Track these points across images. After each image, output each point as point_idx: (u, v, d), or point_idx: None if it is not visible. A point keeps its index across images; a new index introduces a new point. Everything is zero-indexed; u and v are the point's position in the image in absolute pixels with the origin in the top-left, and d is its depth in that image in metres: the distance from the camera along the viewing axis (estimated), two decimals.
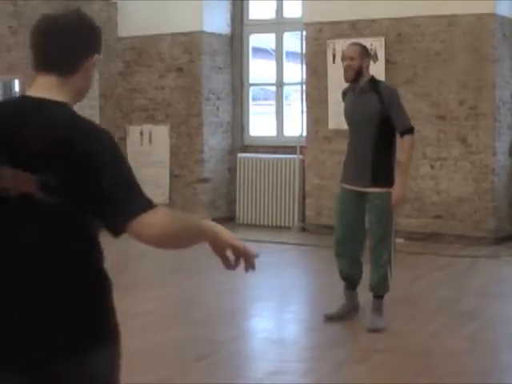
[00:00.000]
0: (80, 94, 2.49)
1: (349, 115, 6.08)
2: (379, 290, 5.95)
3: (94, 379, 2.39)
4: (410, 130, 5.88)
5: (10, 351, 2.32)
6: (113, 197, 2.30)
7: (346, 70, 5.90)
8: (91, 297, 2.41)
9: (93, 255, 2.47)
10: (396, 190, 5.77)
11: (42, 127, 2.32)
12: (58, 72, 2.41)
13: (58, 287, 2.32)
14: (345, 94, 6.17)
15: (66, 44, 2.42)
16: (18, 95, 2.23)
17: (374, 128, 5.84)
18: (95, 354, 2.37)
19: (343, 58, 5.98)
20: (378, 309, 5.97)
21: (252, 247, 2.54)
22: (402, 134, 5.88)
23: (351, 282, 6.08)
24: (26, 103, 2.39)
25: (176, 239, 2.40)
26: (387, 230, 5.90)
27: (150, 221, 2.30)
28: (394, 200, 5.77)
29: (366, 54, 5.97)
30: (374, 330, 5.84)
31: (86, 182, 2.29)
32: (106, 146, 2.34)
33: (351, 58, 5.86)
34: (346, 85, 6.15)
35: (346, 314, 6.11)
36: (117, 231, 2.38)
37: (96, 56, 2.54)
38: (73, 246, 2.37)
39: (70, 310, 2.33)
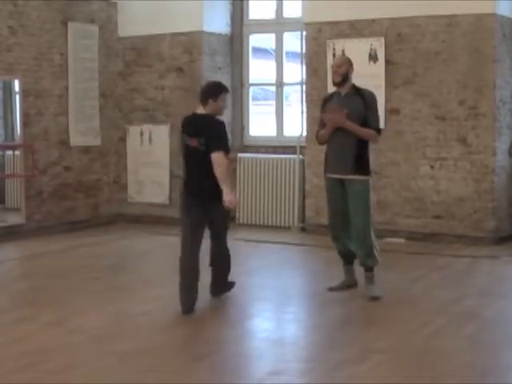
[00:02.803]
0: (215, 113, 6.59)
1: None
2: (369, 263, 6.92)
3: (223, 212, 6.57)
4: (378, 130, 6.96)
5: (198, 197, 6.51)
6: (212, 145, 6.39)
7: (333, 74, 6.98)
8: (213, 179, 6.35)
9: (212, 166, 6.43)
10: (342, 119, 6.79)
11: (203, 122, 6.53)
12: (202, 104, 6.60)
13: (207, 176, 6.36)
14: (327, 99, 7.14)
15: (203, 92, 6.72)
16: (190, 113, 6.89)
17: (358, 125, 6.81)
18: (218, 201, 6.39)
19: (332, 66, 7.05)
20: (371, 280, 6.94)
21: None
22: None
23: (348, 257, 7.13)
24: (197, 115, 6.62)
25: (217, 173, 6.41)
26: (368, 211, 6.89)
27: (215, 159, 6.36)
28: (337, 119, 6.80)
29: (350, 63, 6.97)
30: (373, 298, 6.80)
31: (210, 141, 6.40)
32: (218, 126, 6.54)
33: (338, 66, 6.93)
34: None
35: (346, 288, 7.10)
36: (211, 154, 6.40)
37: (213, 99, 6.58)
38: (208, 163, 6.33)
39: (214, 184, 6.39)
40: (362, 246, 6.91)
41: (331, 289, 7.10)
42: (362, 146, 6.87)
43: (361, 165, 6.86)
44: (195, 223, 6.56)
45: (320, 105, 7.23)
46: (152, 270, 8.49)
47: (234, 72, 11.32)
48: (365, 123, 6.83)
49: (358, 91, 6.93)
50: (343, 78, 6.89)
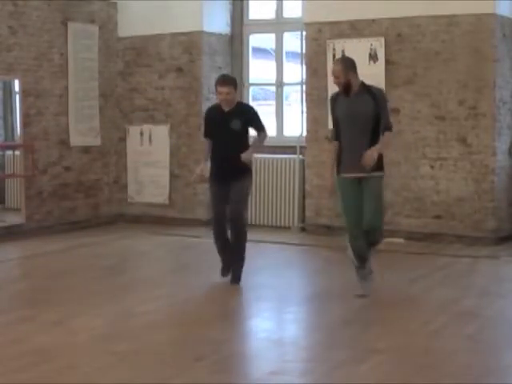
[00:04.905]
0: (221, 105, 7.47)
1: (347, 113, 6.90)
2: (378, 243, 7.01)
3: (246, 183, 7.47)
4: (390, 128, 6.94)
5: (224, 175, 7.38)
6: (256, 125, 7.51)
7: (336, 85, 6.92)
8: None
9: (247, 142, 7.48)
10: (369, 152, 6.68)
11: (231, 111, 7.46)
12: None
13: (238, 152, 7.27)
14: (335, 99, 7.04)
15: None
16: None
17: (370, 123, 6.81)
18: (249, 175, 7.53)
19: (332, 75, 6.95)
20: (365, 276, 6.99)
21: None
22: (384, 131, 6.88)
23: (363, 257, 6.96)
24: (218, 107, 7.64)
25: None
26: (382, 205, 7.03)
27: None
28: (367, 159, 6.66)
29: (349, 68, 6.83)
30: (361, 296, 6.86)
31: (247, 124, 7.48)
32: (253, 112, 7.60)
33: (336, 77, 6.85)
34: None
35: (369, 293, 6.93)
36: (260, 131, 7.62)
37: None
38: (243, 139, 7.47)
39: (239, 160, 7.31)
40: (374, 242, 6.91)
41: (360, 296, 6.90)
42: (375, 143, 6.80)
43: (376, 161, 6.77)
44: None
45: (329, 106, 7.13)
46: (152, 269, 8.49)
47: (234, 72, 11.30)
48: (376, 122, 6.78)
49: (367, 89, 6.88)
50: (346, 86, 6.83)
